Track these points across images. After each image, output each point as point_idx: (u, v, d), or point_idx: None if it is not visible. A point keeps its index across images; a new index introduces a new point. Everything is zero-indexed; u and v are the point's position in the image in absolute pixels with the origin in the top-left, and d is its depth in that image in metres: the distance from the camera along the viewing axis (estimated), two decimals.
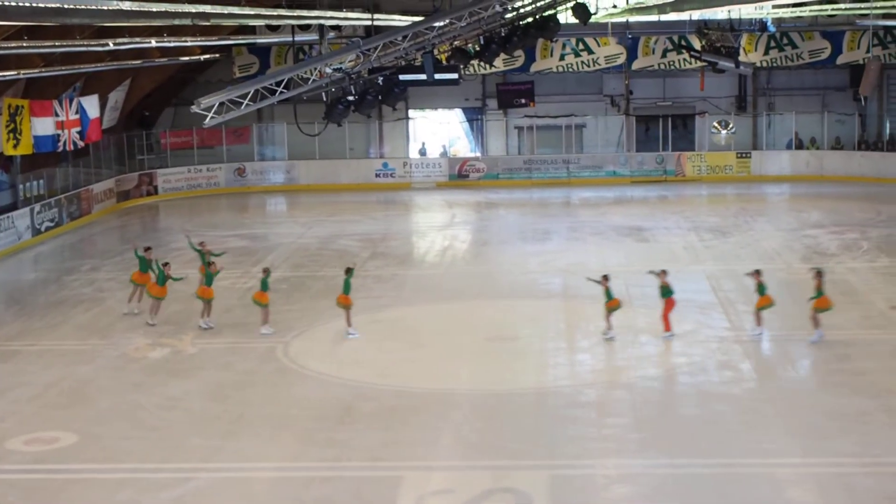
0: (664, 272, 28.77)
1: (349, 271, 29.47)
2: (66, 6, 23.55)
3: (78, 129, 47.81)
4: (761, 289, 28.62)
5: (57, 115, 45.71)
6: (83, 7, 24.08)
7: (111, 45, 38.36)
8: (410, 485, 19.63)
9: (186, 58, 52.76)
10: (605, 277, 28.68)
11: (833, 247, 40.33)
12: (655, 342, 28.25)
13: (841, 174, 58.47)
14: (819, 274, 28.42)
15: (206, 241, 35.95)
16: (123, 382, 26.15)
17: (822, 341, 27.64)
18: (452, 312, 28.85)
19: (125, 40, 39.58)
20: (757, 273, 28.96)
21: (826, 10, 48.45)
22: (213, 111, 30.37)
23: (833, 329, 29.15)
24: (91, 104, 49.11)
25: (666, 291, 28.57)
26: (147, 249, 32.59)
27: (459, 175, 60.46)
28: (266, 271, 30.33)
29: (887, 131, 61.12)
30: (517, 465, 20.43)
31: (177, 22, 30.87)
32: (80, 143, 48.31)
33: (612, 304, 28.53)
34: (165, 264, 31.56)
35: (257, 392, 25.23)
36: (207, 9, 31.25)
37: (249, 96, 31.25)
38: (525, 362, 27.07)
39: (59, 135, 46.25)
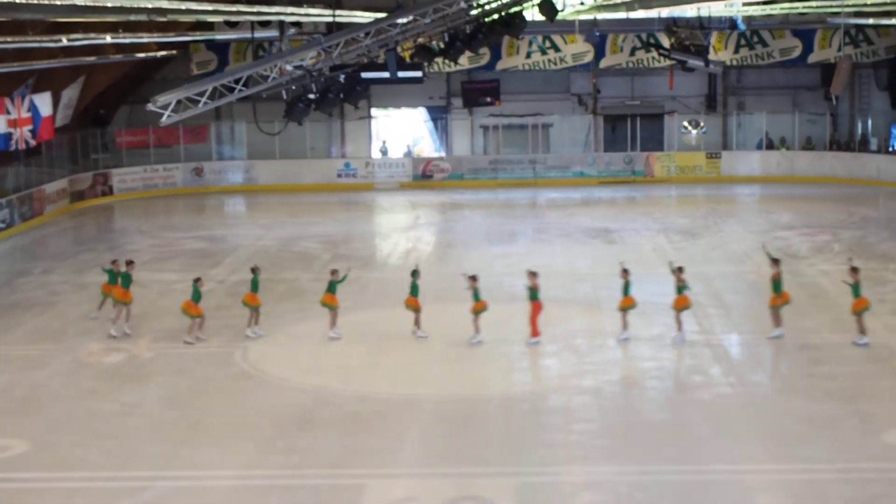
0: (533, 274, 28.67)
1: (335, 273, 29.52)
2: (17, 0, 23.40)
3: (30, 127, 47.43)
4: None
5: (8, 112, 45.37)
6: (35, 2, 23.94)
7: (65, 41, 38.19)
8: (373, 493, 19.58)
9: (142, 54, 52.56)
10: (473, 278, 28.67)
11: (804, 249, 40.52)
12: (624, 346, 28.29)
13: (812, 175, 58.75)
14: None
15: (164, 242, 35.76)
16: (77, 388, 26.00)
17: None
18: (419, 316, 28.84)
19: (79, 36, 39.37)
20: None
21: (797, 7, 48.65)
22: (169, 109, 30.30)
23: (804, 333, 29.34)
24: (43, 102, 48.72)
25: (534, 294, 28.50)
26: (129, 263, 31.85)
27: (423, 175, 60.47)
28: (255, 270, 30.10)
29: (859, 131, 61.46)
30: (482, 473, 20.40)
31: (133, 18, 30.79)
32: (32, 142, 47.97)
33: (478, 307, 28.62)
34: (129, 262, 31.27)
35: (215, 398, 25.14)
36: (164, 4, 31.12)
37: (207, 94, 31.18)
38: (490, 367, 27.05)
39: (10, 133, 45.89)
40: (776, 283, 28.84)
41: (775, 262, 29.31)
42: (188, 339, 29.28)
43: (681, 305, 28.73)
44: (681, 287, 28.63)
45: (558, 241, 43.16)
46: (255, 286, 29.64)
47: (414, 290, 28.93)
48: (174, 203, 56.38)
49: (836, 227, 44.94)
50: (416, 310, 28.99)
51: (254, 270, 30.00)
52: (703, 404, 24.07)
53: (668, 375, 26.32)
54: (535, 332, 28.37)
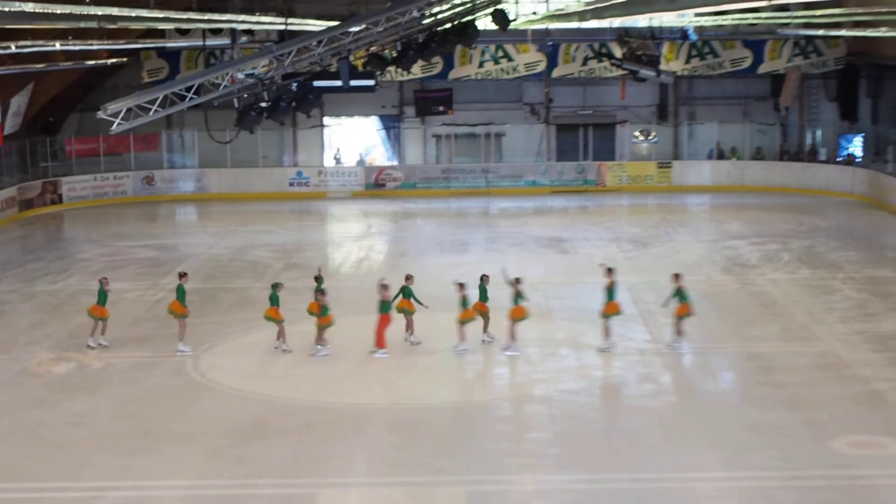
0: (385, 286, 28.70)
1: (318, 279, 29.63)
2: None
3: None
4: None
5: None
6: None
7: (13, 47, 37.96)
8: (325, 503, 19.57)
9: (92, 62, 52.30)
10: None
11: (754, 258, 40.76)
12: (575, 355, 28.39)
13: (762, 184, 59.11)
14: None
15: (114, 251, 35.57)
16: (26, 398, 25.83)
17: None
18: (368, 325, 28.76)
19: (28, 43, 39.15)
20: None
21: (747, 18, 49.00)
22: (120, 117, 30.12)
23: (754, 342, 29.53)
24: None
25: (384, 307, 28.58)
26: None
27: (376, 184, 60.45)
28: (274, 286, 29.60)
29: (808, 142, 61.91)
30: (434, 482, 20.44)
31: (82, 24, 30.62)
32: None
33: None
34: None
35: (166, 408, 25.04)
36: (114, 11, 31.00)
37: (158, 102, 31.03)
38: (442, 376, 27.10)
39: None
40: (610, 292, 28.90)
41: (609, 271, 29.31)
42: (283, 347, 29.11)
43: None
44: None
45: (511, 250, 43.23)
46: (274, 300, 29.28)
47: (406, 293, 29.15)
48: (125, 212, 56.13)
49: (786, 236, 45.23)
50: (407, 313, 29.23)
51: (274, 287, 29.61)
52: (654, 412, 24.18)
53: (619, 384, 26.42)
54: (380, 343, 28.42)
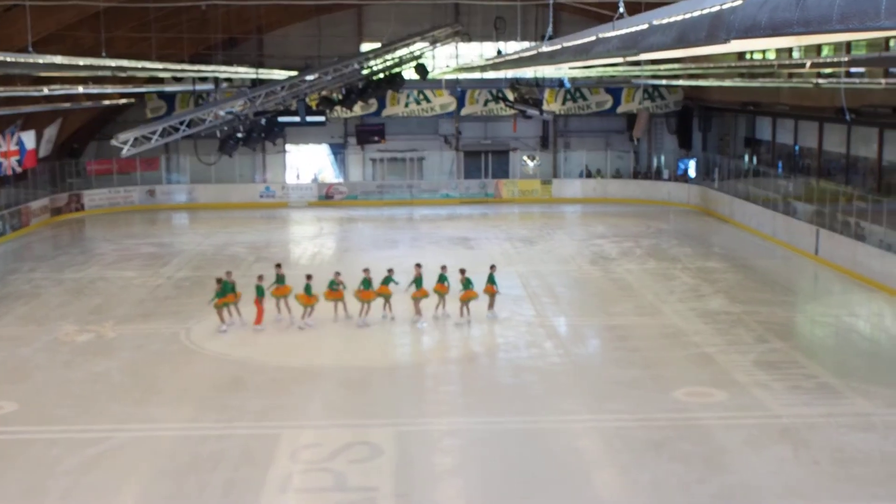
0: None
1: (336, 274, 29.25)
2: (8, 59, 22.98)
3: (17, 157, 46.76)
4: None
5: (0, 146, 44.67)
6: (23, 60, 23.53)
7: (46, 90, 37.41)
8: (287, 440, 19.50)
9: (108, 101, 51.66)
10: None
11: (614, 253, 41.00)
12: (479, 327, 28.41)
13: (620, 197, 59.45)
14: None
15: (124, 248, 35.12)
16: (56, 361, 25.52)
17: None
18: (322, 304, 28.69)
19: (58, 87, 38.60)
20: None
21: (608, 71, 49.26)
22: (129, 144, 29.83)
23: (614, 316, 29.70)
24: (28, 138, 48.05)
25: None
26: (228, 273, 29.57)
27: (326, 196, 60.11)
28: (309, 277, 28.95)
29: (654, 164, 62.43)
30: (371, 424, 20.41)
31: (100, 73, 30.27)
32: (18, 169, 47.25)
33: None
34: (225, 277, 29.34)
35: (165, 368, 24.83)
36: (125, 63, 30.69)
37: (158, 133, 30.75)
38: (377, 343, 27.05)
39: (1, 163, 45.27)
40: (418, 281, 28.97)
41: (418, 266, 29.41)
42: (308, 322, 28.60)
43: (468, 297, 28.99)
44: (467, 282, 28.93)
45: (429, 246, 43.20)
46: (307, 289, 28.60)
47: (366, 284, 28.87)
48: (132, 217, 55.43)
49: (638, 236, 45.53)
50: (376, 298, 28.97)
51: (308, 277, 29.00)
52: (539, 370, 24.28)
53: (512, 348, 26.51)
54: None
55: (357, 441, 19.42)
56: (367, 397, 22.36)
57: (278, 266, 30.00)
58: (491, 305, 29.42)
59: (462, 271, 29.43)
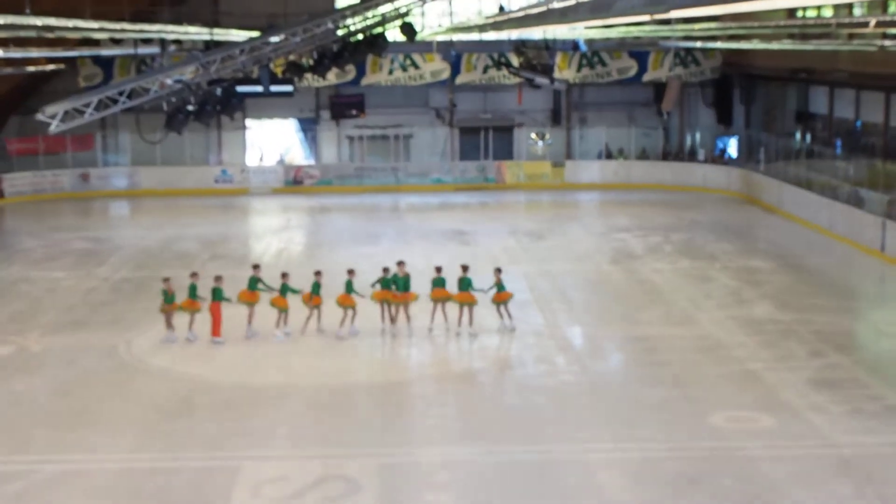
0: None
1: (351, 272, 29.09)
2: None
3: None
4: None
5: None
6: None
7: None
8: (247, 474, 19.44)
9: (32, 68, 51.50)
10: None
11: (639, 249, 40.98)
12: (479, 338, 28.37)
13: (646, 182, 59.44)
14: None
15: (51, 243, 35.05)
16: None
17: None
18: (256, 311, 28.68)
19: None
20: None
21: (633, 31, 49.25)
22: (57, 119, 29.67)
23: (640, 325, 29.70)
24: None
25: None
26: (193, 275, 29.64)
27: (295, 181, 60.08)
28: (285, 276, 29.11)
29: (688, 143, 62.42)
30: (348, 454, 20.37)
31: (22, 34, 30.16)
32: None
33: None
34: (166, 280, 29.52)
35: (100, 387, 24.78)
36: (53, 21, 30.58)
37: (93, 105, 30.60)
38: (356, 357, 27.00)
39: None
40: (400, 281, 28.83)
41: (401, 263, 29.22)
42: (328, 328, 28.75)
43: (501, 299, 28.98)
44: (499, 285, 28.90)
45: (417, 242, 43.16)
46: (315, 288, 28.62)
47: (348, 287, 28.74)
48: (62, 206, 55.35)
49: (668, 229, 45.51)
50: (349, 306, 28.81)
51: (317, 274, 28.96)
52: (549, 390, 24.25)
53: (518, 364, 26.46)
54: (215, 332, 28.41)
55: (331, 475, 19.36)
56: (344, 422, 22.30)
57: (256, 267, 29.71)
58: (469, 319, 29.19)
59: (498, 270, 29.30)
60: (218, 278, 28.80)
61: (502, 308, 28.96)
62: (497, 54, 59.37)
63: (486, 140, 61.86)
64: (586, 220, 50.01)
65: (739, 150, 59.66)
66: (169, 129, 35.09)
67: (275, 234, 46.42)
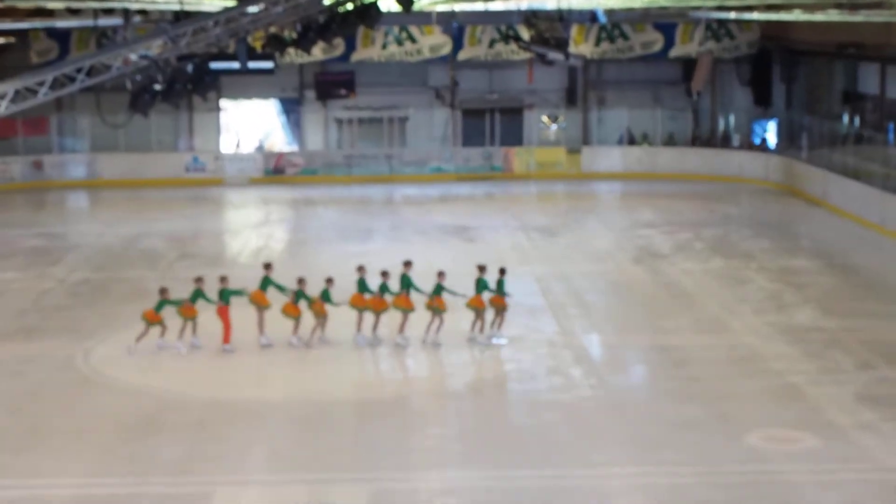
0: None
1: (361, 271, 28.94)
2: None
3: None
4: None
5: None
6: None
7: None
8: (221, 501, 19.43)
9: None
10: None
11: (666, 247, 40.98)
12: (482, 348, 28.32)
13: (674, 171, 59.43)
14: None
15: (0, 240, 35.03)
16: None
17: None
18: (266, 317, 28.59)
19: None
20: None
21: (658, 0, 49.26)
22: (7, 99, 29.70)
23: (666, 334, 29.68)
24: None
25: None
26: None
27: (275, 170, 60.09)
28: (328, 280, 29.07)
29: (721, 127, 62.38)
30: (335, 479, 20.36)
31: None
32: None
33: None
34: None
35: (54, 403, 24.75)
36: None
37: (48, 84, 30.62)
38: (344, 369, 26.98)
39: None
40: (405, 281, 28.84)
41: (407, 263, 29.14)
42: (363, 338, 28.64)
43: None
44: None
45: (415, 238, 43.16)
46: (326, 296, 28.66)
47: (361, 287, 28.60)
48: (11, 198, 55.32)
49: (698, 225, 45.52)
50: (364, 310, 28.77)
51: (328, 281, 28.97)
52: (563, 407, 24.22)
53: (528, 377, 26.43)
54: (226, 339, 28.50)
55: (316, 502, 19.32)
56: (330, 442, 22.28)
57: (268, 267, 29.46)
58: (499, 324, 29.03)
59: (481, 269, 29.11)
60: (223, 279, 28.68)
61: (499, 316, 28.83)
62: (504, 26, 59.38)
63: (491, 124, 61.87)
64: (606, 214, 50.03)
65: (779, 136, 59.68)
66: (133, 111, 35.09)
67: (253, 231, 46.44)
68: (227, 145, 62.43)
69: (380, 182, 59.01)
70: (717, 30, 60.32)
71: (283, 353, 28.08)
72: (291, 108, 62.90)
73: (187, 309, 28.33)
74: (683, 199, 52.25)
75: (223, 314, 28.28)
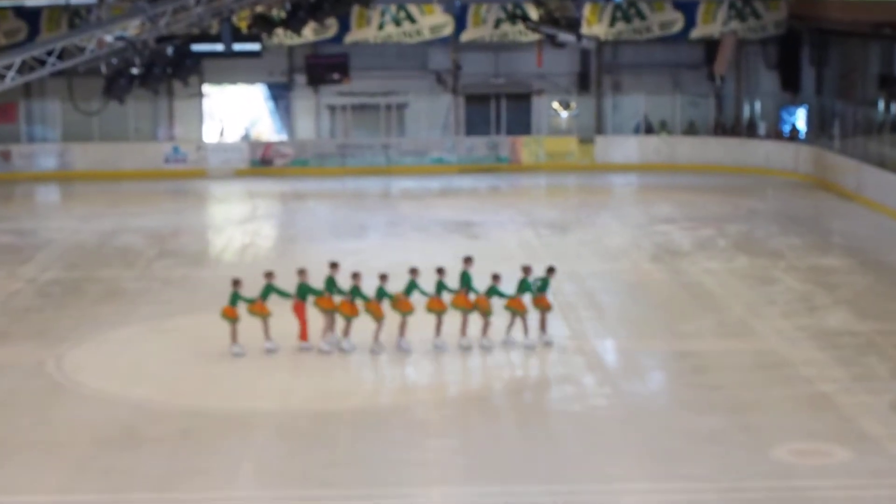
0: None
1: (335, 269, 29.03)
2: None
3: None
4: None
5: None
6: None
7: None
8: None
9: None
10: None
11: (686, 245, 41.03)
12: (489, 354, 28.38)
13: (694, 163, 59.49)
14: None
15: None
16: None
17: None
18: (254, 320, 28.64)
19: None
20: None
21: None
22: None
23: (687, 338, 29.72)
24: None
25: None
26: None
27: (262, 161, 60.15)
28: (342, 267, 29.20)
29: (746, 115, 62.36)
30: (329, 496, 20.44)
31: None
32: None
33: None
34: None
35: (23, 413, 24.77)
36: None
37: (15, 67, 30.76)
38: (339, 377, 27.06)
39: None
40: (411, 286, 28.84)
41: (413, 270, 29.11)
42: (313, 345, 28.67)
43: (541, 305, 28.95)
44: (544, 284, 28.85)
45: (414, 235, 43.23)
46: (330, 286, 28.66)
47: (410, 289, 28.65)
48: None
49: (721, 220, 45.56)
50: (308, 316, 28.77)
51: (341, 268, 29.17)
52: (575, 417, 24.28)
53: (537, 385, 26.49)
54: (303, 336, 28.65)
55: None
56: (324, 456, 22.32)
57: (269, 275, 29.51)
58: (518, 326, 29.09)
59: (525, 270, 29.17)
60: (302, 272, 28.57)
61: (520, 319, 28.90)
62: (511, 5, 59.41)
63: (497, 111, 61.96)
64: (621, 208, 50.07)
65: (809, 124, 59.70)
66: (108, 97, 35.24)
67: (238, 226, 46.52)
68: (210, 134, 62.44)
69: (376, 174, 59.06)
70: (742, 8, 60.36)
71: (274, 360, 28.09)
72: (280, 94, 62.91)
73: (258, 307, 28.44)
74: (705, 193, 52.30)
75: (299, 311, 28.37)
